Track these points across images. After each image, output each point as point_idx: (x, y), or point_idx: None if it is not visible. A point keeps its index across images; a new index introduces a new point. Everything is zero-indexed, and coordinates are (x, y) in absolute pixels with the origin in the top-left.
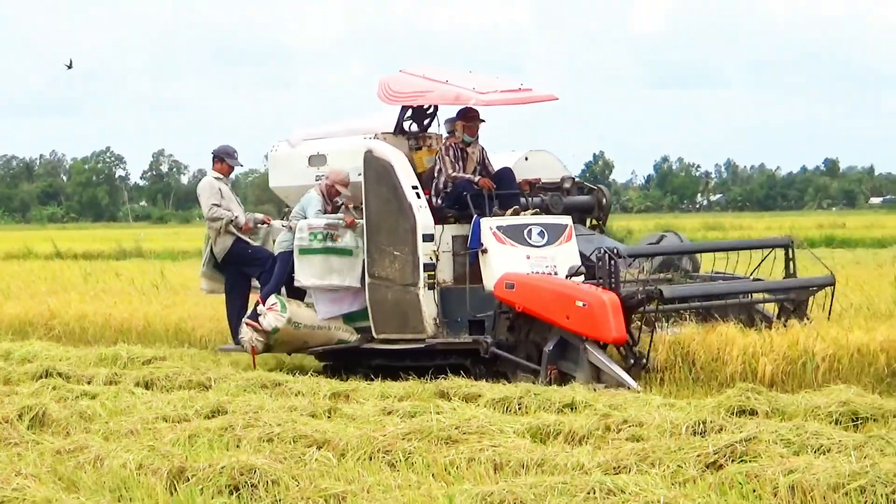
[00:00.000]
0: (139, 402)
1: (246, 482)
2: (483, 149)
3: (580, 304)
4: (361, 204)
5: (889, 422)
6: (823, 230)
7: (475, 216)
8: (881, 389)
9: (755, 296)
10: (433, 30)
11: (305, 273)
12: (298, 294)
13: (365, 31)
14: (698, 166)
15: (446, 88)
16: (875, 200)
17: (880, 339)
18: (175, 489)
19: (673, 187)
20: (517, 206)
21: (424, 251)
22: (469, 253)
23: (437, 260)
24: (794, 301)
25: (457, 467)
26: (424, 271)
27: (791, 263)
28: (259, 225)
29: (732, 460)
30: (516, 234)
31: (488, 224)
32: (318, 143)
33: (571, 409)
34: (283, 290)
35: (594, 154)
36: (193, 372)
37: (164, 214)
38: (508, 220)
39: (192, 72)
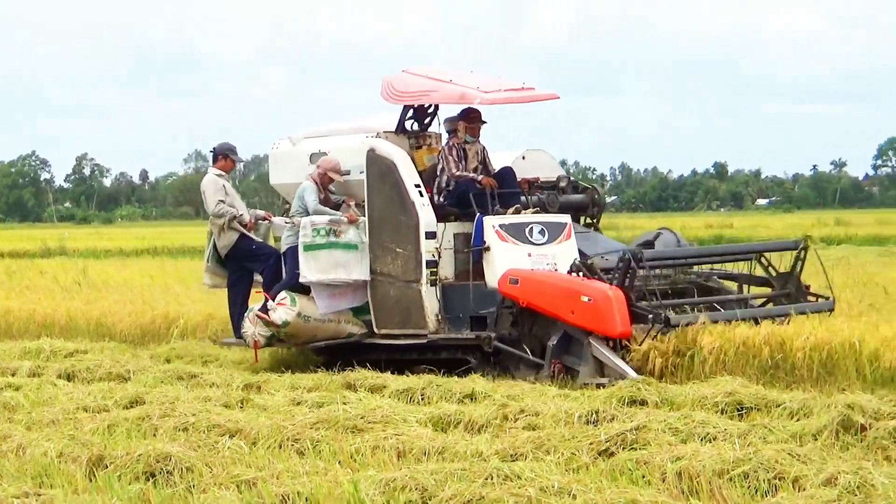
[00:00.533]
0: (61, 393)
1: (161, 469)
2: (484, 148)
3: (586, 299)
4: (362, 201)
5: (772, 411)
6: (712, 230)
7: (478, 214)
8: (764, 381)
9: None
10: (342, 38)
11: (311, 269)
12: (306, 289)
13: (278, 41)
14: (594, 169)
15: (451, 88)
16: (761, 202)
17: (764, 332)
18: (94, 476)
19: None
20: (518, 205)
21: (427, 248)
22: (472, 250)
23: (439, 257)
24: (790, 291)
25: (362, 454)
26: (427, 268)
27: (800, 264)
28: (260, 221)
29: (623, 448)
30: (518, 233)
31: (491, 222)
32: (320, 141)
33: (471, 399)
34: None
35: None
36: (113, 364)
37: (87, 215)
38: (510, 218)
39: (114, 79)
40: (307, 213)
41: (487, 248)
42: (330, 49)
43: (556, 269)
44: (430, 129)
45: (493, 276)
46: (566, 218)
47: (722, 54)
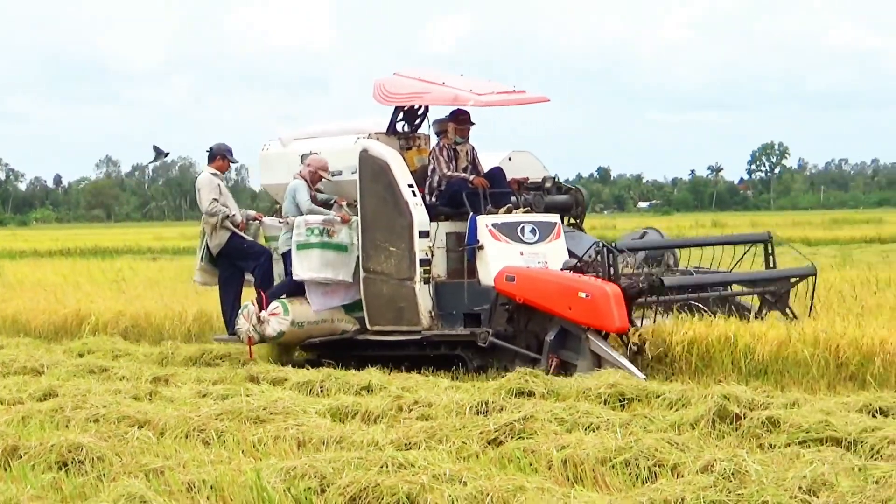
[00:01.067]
0: None
1: (74, 459)
2: (473, 148)
3: (583, 294)
4: (354, 201)
5: (652, 402)
6: (597, 231)
7: (471, 214)
8: (646, 374)
9: (735, 288)
10: (246, 49)
11: (303, 267)
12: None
13: (186, 49)
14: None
15: (444, 90)
16: (643, 205)
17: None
18: (9, 466)
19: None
20: (510, 205)
21: (420, 247)
22: (466, 249)
23: (432, 255)
24: (776, 293)
25: (264, 444)
26: (420, 266)
27: (771, 258)
28: (251, 221)
29: (511, 437)
30: (510, 232)
31: (484, 221)
32: (310, 142)
33: (368, 391)
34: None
35: None
36: (28, 359)
37: (2, 218)
38: (503, 217)
39: (27, 86)
40: (299, 211)
41: (481, 247)
42: (237, 57)
43: (546, 267)
44: (419, 131)
45: (486, 274)
46: (555, 217)
47: (605, 64)
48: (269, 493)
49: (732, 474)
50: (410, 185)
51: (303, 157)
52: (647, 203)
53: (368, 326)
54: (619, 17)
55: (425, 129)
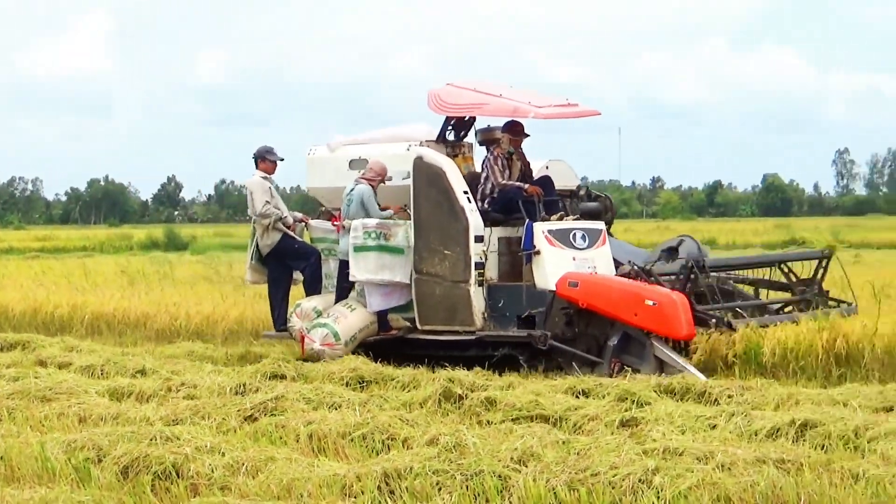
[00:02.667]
0: None
1: None
2: (524, 155)
3: (650, 302)
4: (405, 206)
5: (387, 384)
6: None
7: (527, 221)
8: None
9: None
10: (28, 74)
11: (360, 269)
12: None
13: None
14: (244, 187)
15: (504, 102)
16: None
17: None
18: None
19: (229, 203)
20: (562, 212)
21: (476, 251)
22: (523, 254)
23: (486, 259)
24: (811, 296)
25: (49, 420)
26: (475, 269)
27: (822, 272)
28: (297, 223)
29: (265, 414)
30: (563, 238)
31: (540, 228)
32: (360, 149)
33: (142, 374)
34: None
35: (168, 176)
36: None
37: None
38: (557, 224)
39: None
40: (367, 215)
41: (538, 252)
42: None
43: (595, 272)
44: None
45: (542, 278)
46: (601, 225)
47: (349, 92)
48: (52, 462)
49: (454, 446)
50: (465, 192)
51: (352, 163)
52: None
53: (419, 326)
54: (359, 53)
55: (469, 137)
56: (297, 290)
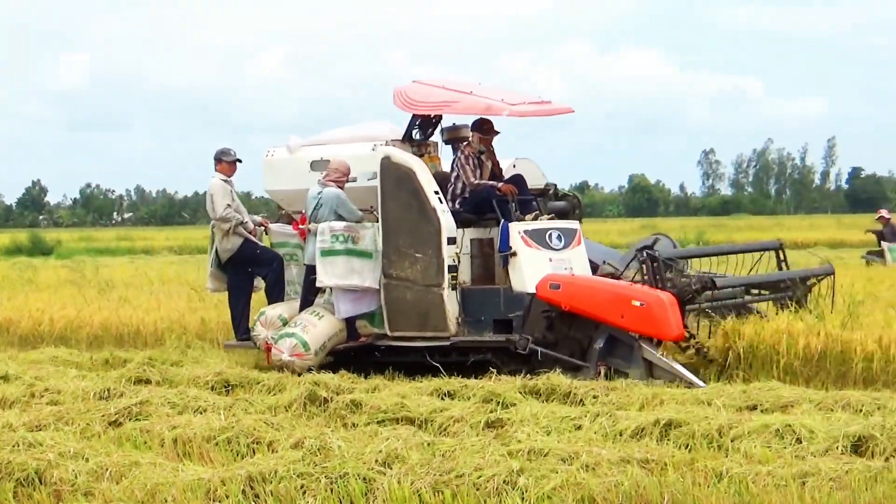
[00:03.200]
0: None
1: None
2: (494, 154)
3: (637, 303)
4: (370, 207)
5: (253, 387)
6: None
7: (503, 221)
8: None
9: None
10: None
11: (328, 273)
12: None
13: None
14: (114, 191)
15: (476, 99)
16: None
17: None
18: None
19: (95, 207)
20: (537, 212)
21: (448, 253)
22: (500, 256)
23: (459, 262)
24: (794, 295)
25: None
26: (449, 272)
27: (784, 264)
28: (257, 227)
29: (130, 419)
30: (539, 238)
31: (517, 228)
32: (320, 149)
33: (5, 380)
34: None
35: (32, 180)
36: None
37: None
38: (533, 224)
39: None
40: (340, 219)
41: (514, 254)
42: None
43: (572, 273)
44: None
45: (519, 281)
46: (576, 224)
47: (210, 100)
48: None
49: (319, 449)
50: (436, 192)
51: (314, 164)
52: (257, 215)
53: (389, 332)
54: (220, 58)
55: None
56: (258, 298)
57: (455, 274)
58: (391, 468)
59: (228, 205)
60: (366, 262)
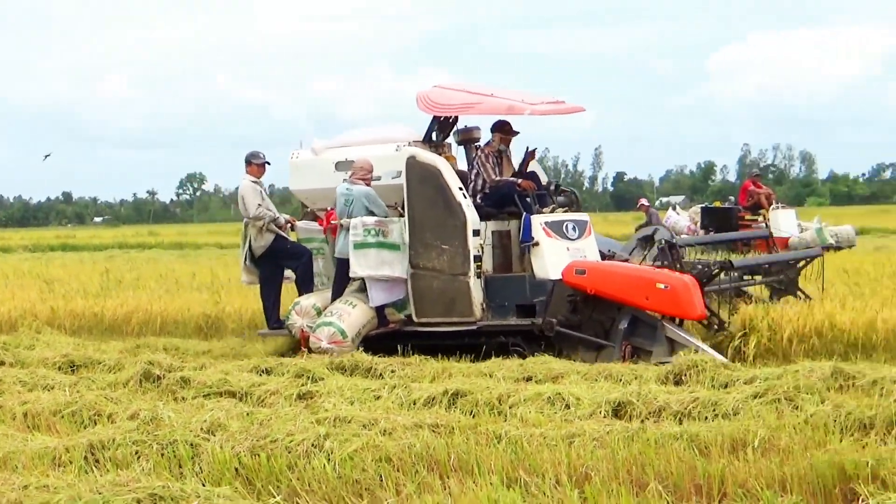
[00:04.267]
0: None
1: None
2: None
3: (662, 286)
4: (394, 203)
5: (95, 367)
6: (60, 239)
7: (525, 214)
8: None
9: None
10: None
11: (361, 265)
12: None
13: None
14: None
15: (497, 101)
16: (97, 220)
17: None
18: None
19: None
20: (554, 205)
21: (474, 244)
22: (523, 246)
23: (483, 252)
24: (785, 279)
25: None
26: (474, 262)
27: (774, 249)
28: (286, 224)
29: None
30: (558, 229)
31: (538, 220)
32: (345, 151)
33: None
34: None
35: None
36: None
37: None
38: (552, 216)
39: None
40: (371, 214)
41: (536, 244)
42: None
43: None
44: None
45: (542, 268)
46: (587, 216)
47: (63, 115)
48: None
49: (152, 420)
50: (461, 188)
51: (338, 165)
52: (101, 218)
53: (416, 319)
54: (67, 75)
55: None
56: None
57: (479, 263)
58: (214, 435)
59: (259, 204)
60: (395, 253)
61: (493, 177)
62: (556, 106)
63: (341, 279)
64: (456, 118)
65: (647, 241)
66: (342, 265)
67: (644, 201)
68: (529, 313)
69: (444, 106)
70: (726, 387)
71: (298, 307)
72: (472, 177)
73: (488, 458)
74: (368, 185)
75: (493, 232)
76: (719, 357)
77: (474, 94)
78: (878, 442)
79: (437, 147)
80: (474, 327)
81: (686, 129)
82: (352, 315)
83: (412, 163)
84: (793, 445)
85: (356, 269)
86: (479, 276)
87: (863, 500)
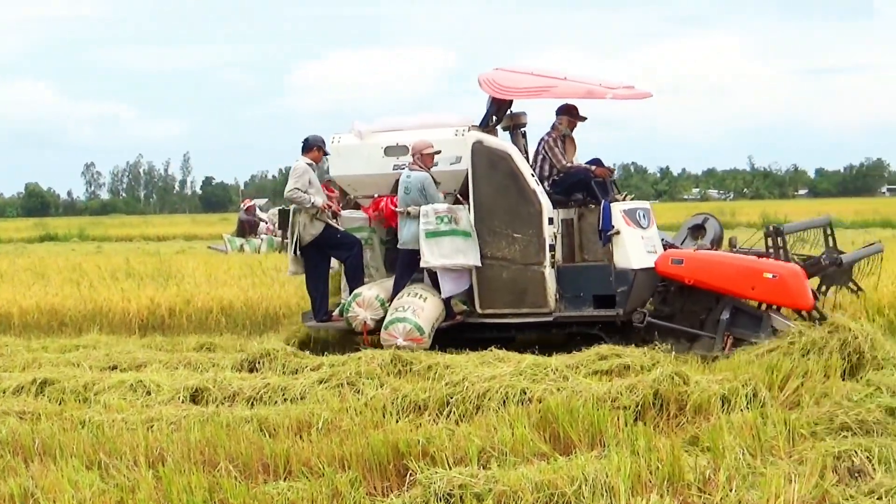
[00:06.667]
0: None
1: None
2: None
3: (769, 276)
4: (454, 191)
5: None
6: None
7: (604, 201)
8: None
9: None
10: None
11: (435, 254)
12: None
13: None
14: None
15: (575, 84)
16: None
17: None
18: None
19: None
20: (627, 192)
21: (549, 233)
22: (605, 235)
23: (556, 241)
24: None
25: None
26: (549, 251)
27: (831, 239)
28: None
29: None
30: (633, 217)
31: (618, 208)
32: (395, 135)
33: None
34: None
35: None
36: None
37: None
38: (628, 204)
39: None
40: (426, 202)
41: (617, 233)
42: None
43: (655, 251)
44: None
45: (624, 258)
46: (649, 204)
47: None
48: None
49: None
50: (533, 175)
51: (388, 150)
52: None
53: (480, 310)
54: None
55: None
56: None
57: (554, 252)
58: None
59: (297, 188)
60: (469, 241)
61: (564, 162)
62: (631, 91)
63: (406, 270)
64: (511, 102)
65: (697, 231)
66: (406, 255)
67: (249, 201)
68: (607, 304)
69: (515, 89)
70: (296, 373)
71: (360, 299)
72: (538, 162)
73: (71, 443)
74: (428, 165)
75: (562, 220)
76: None
77: (547, 77)
78: (431, 422)
79: (489, 132)
80: (550, 318)
81: (268, 137)
82: (425, 310)
83: (479, 148)
84: (353, 426)
85: (429, 259)
86: (553, 266)
87: (411, 474)
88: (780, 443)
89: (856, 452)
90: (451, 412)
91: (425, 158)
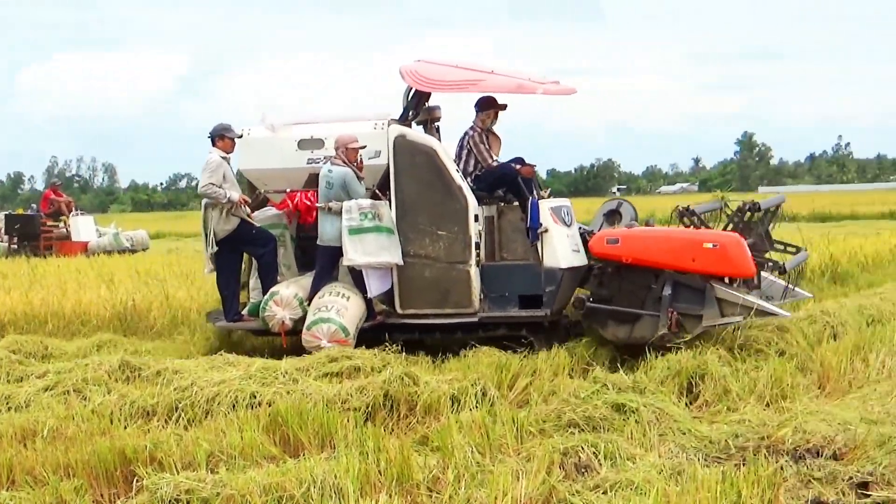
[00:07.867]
0: None
1: None
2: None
3: (710, 245)
4: (371, 186)
5: None
6: None
7: (532, 199)
8: None
9: None
10: None
11: (358, 252)
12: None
13: None
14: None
15: (505, 78)
16: None
17: None
18: None
19: None
20: (549, 189)
21: (475, 231)
22: (532, 232)
23: (481, 239)
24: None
25: None
26: (475, 249)
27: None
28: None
29: None
30: (559, 215)
31: (546, 206)
32: (311, 128)
33: None
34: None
35: None
36: None
37: None
38: (554, 201)
39: None
40: (349, 199)
41: (545, 231)
42: None
43: (578, 250)
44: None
45: (552, 256)
46: (568, 202)
47: None
48: None
49: None
50: (458, 171)
51: (301, 143)
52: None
53: (400, 310)
54: None
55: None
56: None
57: (479, 251)
58: None
59: (212, 183)
60: (392, 238)
61: (489, 159)
62: (559, 87)
63: (326, 268)
64: (429, 96)
65: (613, 215)
66: (326, 253)
67: None
68: (533, 304)
69: (442, 82)
70: (20, 381)
71: (278, 297)
72: (462, 158)
73: None
74: (351, 159)
75: (486, 217)
76: (779, 311)
77: (472, 70)
78: (160, 427)
79: (405, 126)
80: (475, 319)
81: None
82: (349, 309)
83: (402, 142)
84: (79, 434)
85: (353, 257)
86: (478, 265)
87: (138, 480)
88: (508, 441)
89: (582, 448)
90: (179, 417)
91: (349, 153)
